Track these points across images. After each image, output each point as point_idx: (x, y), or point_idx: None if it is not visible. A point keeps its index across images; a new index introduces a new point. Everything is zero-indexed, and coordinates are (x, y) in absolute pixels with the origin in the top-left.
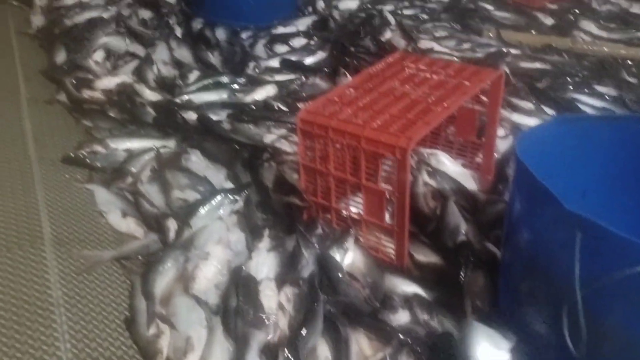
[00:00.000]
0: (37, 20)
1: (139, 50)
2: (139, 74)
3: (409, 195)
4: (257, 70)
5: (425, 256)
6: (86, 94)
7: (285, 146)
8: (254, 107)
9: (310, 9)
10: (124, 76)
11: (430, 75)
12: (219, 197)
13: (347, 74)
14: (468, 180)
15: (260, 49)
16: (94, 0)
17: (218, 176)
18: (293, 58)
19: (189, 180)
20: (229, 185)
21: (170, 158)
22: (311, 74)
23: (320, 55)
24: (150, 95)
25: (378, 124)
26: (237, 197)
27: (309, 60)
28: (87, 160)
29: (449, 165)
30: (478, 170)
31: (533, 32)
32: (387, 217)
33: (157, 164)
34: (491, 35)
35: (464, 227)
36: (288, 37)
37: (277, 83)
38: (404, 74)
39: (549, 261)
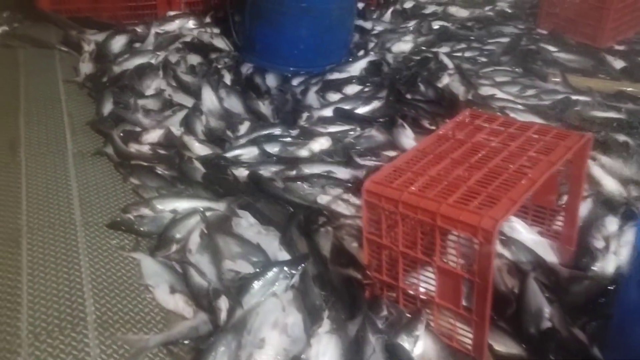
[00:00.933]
0: (85, 68)
1: (187, 99)
2: (187, 126)
3: (492, 281)
4: (310, 120)
5: (506, 347)
6: (133, 147)
7: (341, 208)
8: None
9: (362, 52)
10: (172, 128)
11: (508, 138)
12: (274, 271)
13: (404, 124)
14: (547, 251)
15: (312, 97)
16: (143, 45)
17: (272, 243)
18: (347, 107)
19: (240, 248)
20: (284, 254)
21: (219, 222)
22: (366, 124)
23: (375, 103)
24: (199, 148)
25: (455, 199)
26: (293, 271)
27: (363, 109)
28: (134, 225)
29: (525, 233)
30: (557, 240)
31: (601, 76)
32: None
33: (207, 229)
34: (557, 80)
35: (547, 311)
36: (341, 84)
37: (331, 135)
38: (478, 137)
39: None
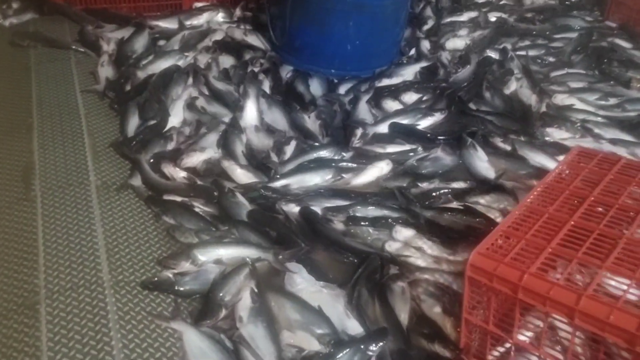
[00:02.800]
0: (105, 72)
1: (223, 111)
2: (226, 147)
3: None
4: (364, 138)
5: None
6: (166, 174)
7: (416, 257)
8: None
9: (413, 50)
10: (210, 151)
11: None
12: (346, 351)
13: (475, 144)
14: None
15: (363, 108)
16: (168, 44)
17: (335, 306)
18: (405, 121)
19: (299, 314)
20: (352, 322)
21: (271, 276)
22: (429, 143)
23: (436, 116)
24: (241, 176)
25: (595, 288)
26: (370, 352)
27: (424, 124)
28: (174, 286)
29: None
30: None
31: None
32: None
33: (258, 288)
34: None
35: None
36: (395, 92)
37: (390, 156)
38: (599, 188)
39: None
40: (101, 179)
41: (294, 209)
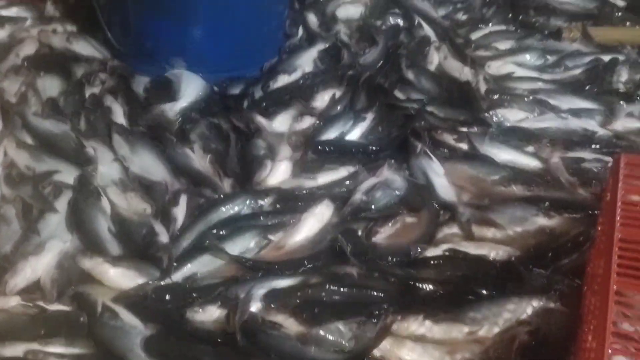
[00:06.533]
0: None
1: (63, 169)
2: (81, 229)
3: None
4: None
5: None
6: None
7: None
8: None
9: (300, 29)
10: (55, 245)
11: None
12: None
13: (428, 152)
14: None
15: (262, 124)
16: None
17: None
18: (330, 136)
19: None
20: None
21: None
22: (368, 160)
23: (366, 120)
24: (118, 277)
25: None
26: None
27: (354, 134)
28: None
29: None
30: None
31: (628, 24)
32: None
33: None
34: (574, 36)
35: None
36: (303, 92)
37: (327, 191)
38: None
39: None
40: None
41: (213, 316)
